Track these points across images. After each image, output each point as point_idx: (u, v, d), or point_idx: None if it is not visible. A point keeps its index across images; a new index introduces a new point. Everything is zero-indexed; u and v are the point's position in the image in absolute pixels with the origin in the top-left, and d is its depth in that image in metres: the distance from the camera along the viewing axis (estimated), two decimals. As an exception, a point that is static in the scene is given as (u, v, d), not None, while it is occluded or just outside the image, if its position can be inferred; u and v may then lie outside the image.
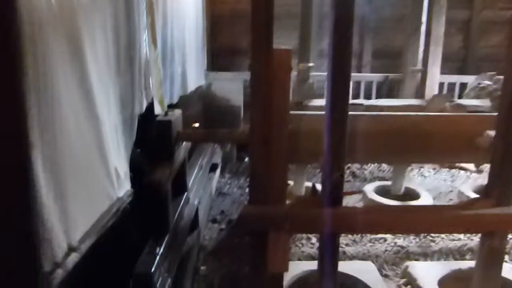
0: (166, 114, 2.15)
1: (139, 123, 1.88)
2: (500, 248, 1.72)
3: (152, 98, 2.12)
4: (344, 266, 2.19)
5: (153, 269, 1.68)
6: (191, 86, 3.71)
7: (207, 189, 3.14)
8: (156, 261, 1.75)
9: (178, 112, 2.22)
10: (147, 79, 2.05)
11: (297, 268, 2.21)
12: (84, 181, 0.98)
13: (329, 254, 1.94)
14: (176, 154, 2.17)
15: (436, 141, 1.92)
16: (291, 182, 3.37)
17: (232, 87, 4.64)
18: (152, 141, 1.99)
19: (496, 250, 1.72)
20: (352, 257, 2.54)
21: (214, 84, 4.71)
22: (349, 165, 3.93)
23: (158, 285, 1.71)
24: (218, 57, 5.22)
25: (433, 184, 3.87)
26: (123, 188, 1.25)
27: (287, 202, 3.11)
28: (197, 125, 3.96)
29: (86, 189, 0.99)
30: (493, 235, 1.69)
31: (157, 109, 2.22)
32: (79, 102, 0.98)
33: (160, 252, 1.83)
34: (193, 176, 2.82)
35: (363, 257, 2.53)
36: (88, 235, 0.96)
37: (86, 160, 0.99)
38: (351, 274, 2.17)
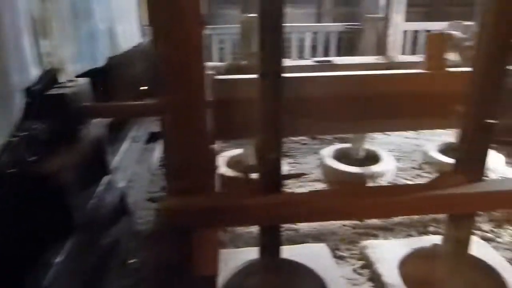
0: (62, 85, 1.69)
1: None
2: (469, 228, 1.48)
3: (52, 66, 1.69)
4: (293, 252, 1.91)
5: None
6: (124, 45, 3.21)
7: (144, 164, 2.75)
8: (51, 275, 1.39)
9: (82, 82, 1.76)
10: (37, 42, 1.62)
11: (235, 258, 1.90)
12: None
13: (270, 246, 1.64)
14: (83, 134, 1.75)
15: (403, 105, 1.58)
16: (240, 150, 3.03)
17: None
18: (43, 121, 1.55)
19: (465, 230, 1.48)
20: (305, 236, 2.26)
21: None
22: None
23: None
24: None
25: (396, 143, 3.61)
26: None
27: (240, 175, 2.75)
28: (145, 88, 3.50)
29: None
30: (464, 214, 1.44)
31: (60, 78, 1.79)
32: None
33: (59, 262, 1.46)
34: (120, 153, 2.41)
35: (317, 235, 2.26)
36: None
37: None
38: (300, 260, 1.89)
